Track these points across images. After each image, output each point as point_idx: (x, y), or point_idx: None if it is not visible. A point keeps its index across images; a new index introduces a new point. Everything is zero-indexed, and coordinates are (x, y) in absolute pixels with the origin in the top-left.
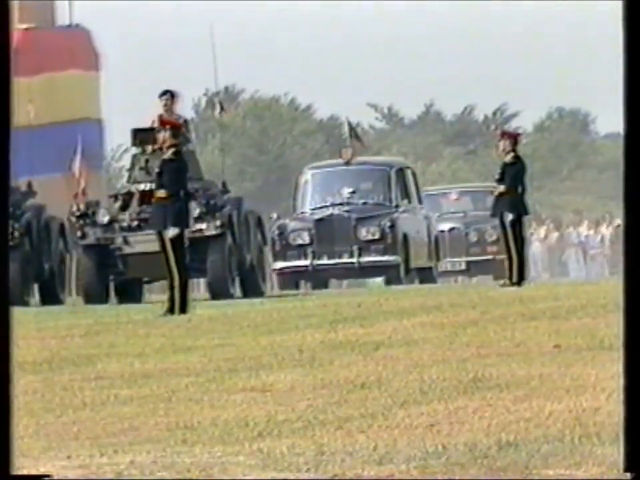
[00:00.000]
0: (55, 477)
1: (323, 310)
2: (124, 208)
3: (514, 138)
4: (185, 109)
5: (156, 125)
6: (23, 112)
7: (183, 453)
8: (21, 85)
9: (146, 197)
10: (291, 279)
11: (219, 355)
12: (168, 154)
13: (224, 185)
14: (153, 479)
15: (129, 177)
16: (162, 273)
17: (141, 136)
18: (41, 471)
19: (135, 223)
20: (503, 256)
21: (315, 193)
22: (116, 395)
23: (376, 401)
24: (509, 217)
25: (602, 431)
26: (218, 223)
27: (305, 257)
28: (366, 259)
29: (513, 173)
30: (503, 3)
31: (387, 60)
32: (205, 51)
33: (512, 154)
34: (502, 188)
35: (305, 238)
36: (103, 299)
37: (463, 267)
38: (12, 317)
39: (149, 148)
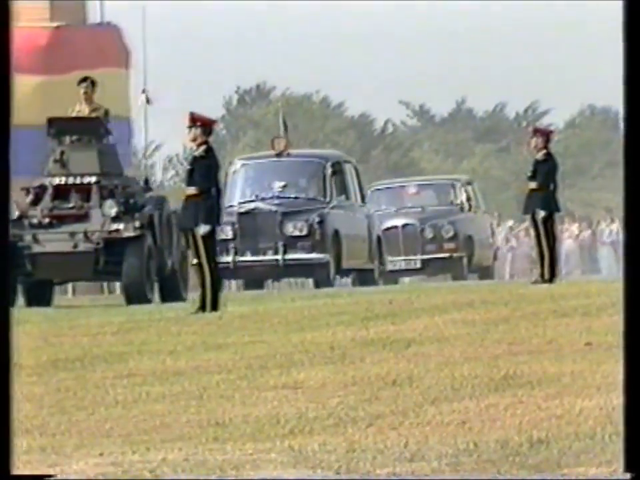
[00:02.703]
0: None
1: (354, 307)
2: (35, 202)
3: (546, 135)
4: (216, 106)
5: (75, 114)
6: (55, 110)
7: (215, 451)
8: (53, 84)
9: (60, 191)
10: None
11: (250, 352)
12: (199, 151)
13: (146, 181)
14: (186, 478)
15: (43, 169)
16: (73, 275)
17: (58, 125)
18: (74, 468)
19: (47, 219)
20: (460, 254)
21: (246, 185)
22: (148, 393)
23: (407, 398)
24: (541, 214)
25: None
26: (137, 223)
27: (227, 253)
28: (291, 256)
29: (545, 170)
30: None
31: (418, 57)
32: (236, 48)
33: (544, 151)
34: (534, 185)
35: (228, 233)
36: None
37: (418, 265)
38: (12, 317)
39: (67, 139)
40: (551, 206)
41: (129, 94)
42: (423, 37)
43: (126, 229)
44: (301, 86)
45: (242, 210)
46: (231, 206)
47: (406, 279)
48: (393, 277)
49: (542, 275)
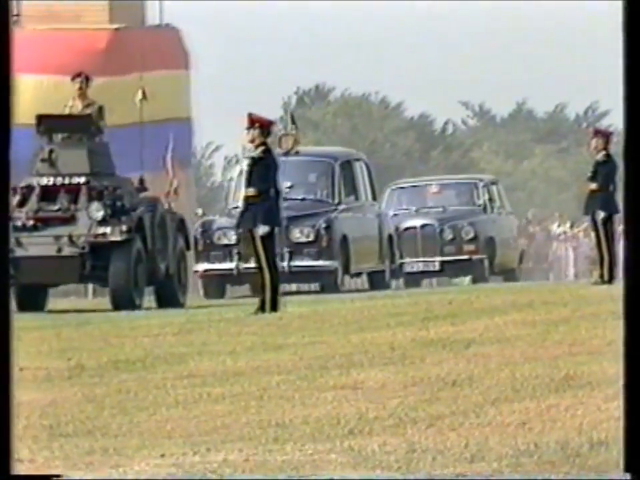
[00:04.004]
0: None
1: (414, 307)
2: (22, 204)
3: (606, 136)
4: (275, 107)
5: (68, 110)
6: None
7: (275, 451)
8: (112, 85)
9: (48, 192)
10: (215, 283)
11: (310, 352)
12: (257, 152)
13: (141, 182)
14: (246, 478)
15: (31, 168)
16: (58, 280)
17: (47, 123)
18: (135, 469)
19: (31, 222)
20: (481, 256)
21: None
22: (208, 393)
23: (467, 399)
24: (601, 215)
25: None
26: (124, 227)
27: (231, 259)
28: (297, 263)
29: (605, 172)
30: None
31: (478, 57)
32: (296, 49)
33: (604, 152)
34: (594, 186)
35: (232, 237)
36: None
37: (437, 267)
38: (12, 318)
39: (56, 137)
40: (611, 207)
41: (189, 95)
42: (483, 36)
43: (113, 233)
44: (360, 86)
45: None
46: (235, 207)
47: (429, 281)
48: (413, 278)
49: (602, 275)
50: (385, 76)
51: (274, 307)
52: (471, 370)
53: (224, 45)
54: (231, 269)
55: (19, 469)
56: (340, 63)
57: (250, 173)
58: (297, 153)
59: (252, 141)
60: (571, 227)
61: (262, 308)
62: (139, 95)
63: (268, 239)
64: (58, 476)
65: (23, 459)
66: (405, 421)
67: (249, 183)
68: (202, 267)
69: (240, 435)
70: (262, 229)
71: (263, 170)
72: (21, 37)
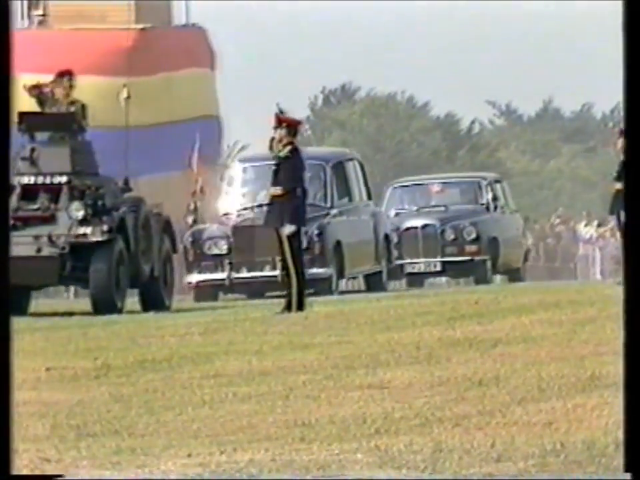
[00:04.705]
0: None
1: (441, 307)
2: None
3: None
4: (301, 107)
5: (44, 109)
6: (141, 111)
7: (301, 451)
8: (139, 85)
9: (28, 191)
10: (208, 293)
11: (336, 352)
12: (285, 151)
13: (126, 182)
14: (273, 478)
15: (13, 167)
16: (37, 281)
17: (29, 121)
18: (162, 469)
19: (11, 222)
20: (483, 257)
21: (242, 190)
22: (234, 393)
23: (494, 398)
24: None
25: None
26: (105, 227)
27: (222, 269)
28: None
29: None
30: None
31: (505, 57)
32: (322, 48)
33: None
34: (620, 185)
35: (223, 247)
36: None
37: (438, 267)
38: (11, 318)
39: (38, 135)
40: None
41: (215, 94)
42: (509, 36)
43: (93, 233)
44: (386, 86)
45: (236, 223)
46: (227, 214)
47: (433, 280)
48: (416, 279)
49: None
50: (412, 75)
51: (300, 307)
52: (497, 369)
53: (250, 44)
54: (223, 279)
55: (46, 468)
56: (366, 63)
57: (277, 172)
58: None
59: (279, 141)
60: (598, 226)
61: (288, 307)
62: (124, 93)
63: (294, 238)
64: (59, 476)
65: (51, 459)
66: (431, 420)
67: (275, 182)
68: (193, 278)
69: (266, 434)
70: (288, 228)
71: (290, 169)
72: (48, 37)
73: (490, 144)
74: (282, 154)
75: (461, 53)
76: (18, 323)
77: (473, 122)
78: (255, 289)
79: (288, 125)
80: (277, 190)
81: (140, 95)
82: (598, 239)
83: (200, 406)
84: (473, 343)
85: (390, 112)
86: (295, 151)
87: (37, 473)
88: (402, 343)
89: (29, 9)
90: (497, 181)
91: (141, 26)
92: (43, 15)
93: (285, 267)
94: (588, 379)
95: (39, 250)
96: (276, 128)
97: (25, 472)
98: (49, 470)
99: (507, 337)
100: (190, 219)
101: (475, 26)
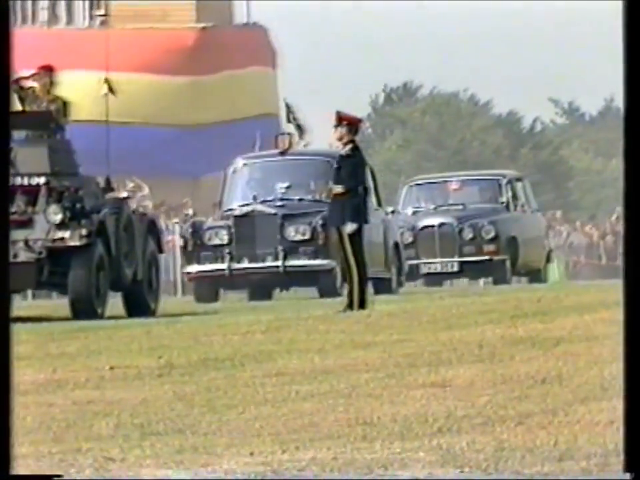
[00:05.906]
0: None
1: (503, 305)
2: None
3: None
4: (363, 106)
5: (24, 107)
6: (203, 110)
7: (363, 449)
8: (201, 84)
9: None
10: (206, 285)
11: (398, 350)
12: (345, 150)
13: (108, 182)
14: (334, 478)
15: None
16: (14, 286)
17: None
18: (224, 468)
19: None
20: (502, 257)
21: (247, 187)
22: (296, 391)
23: (556, 397)
24: None
25: None
26: (84, 231)
27: (222, 260)
28: (293, 262)
29: None
30: None
31: (567, 54)
32: (384, 47)
33: None
34: None
35: (224, 237)
36: None
37: (456, 268)
38: (11, 317)
39: (14, 135)
40: None
41: (277, 92)
42: (572, 33)
43: (72, 237)
44: (448, 84)
45: (238, 213)
46: (231, 209)
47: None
48: (433, 279)
49: None
50: (474, 73)
51: (362, 305)
52: (560, 368)
53: (311, 42)
54: (223, 270)
55: (109, 468)
56: (428, 61)
57: (338, 170)
58: (293, 154)
59: (340, 139)
60: None
61: (350, 306)
62: (104, 88)
63: (356, 236)
64: (59, 476)
65: (115, 458)
66: (493, 419)
67: (337, 180)
68: (192, 268)
69: (328, 433)
70: (350, 227)
71: (351, 167)
72: (110, 37)
73: (552, 142)
74: (343, 152)
75: (524, 51)
76: (81, 323)
77: (535, 120)
78: (255, 281)
79: (348, 123)
80: (339, 188)
81: (202, 94)
82: None
83: (262, 404)
84: (535, 342)
85: (452, 110)
86: (356, 149)
87: (101, 472)
88: (464, 342)
89: (91, 8)
90: (518, 179)
91: (202, 25)
92: (105, 15)
93: (347, 265)
94: None
95: (15, 255)
96: (336, 126)
97: (88, 472)
98: (114, 469)
99: (569, 336)
100: (190, 211)
101: (538, 24)
